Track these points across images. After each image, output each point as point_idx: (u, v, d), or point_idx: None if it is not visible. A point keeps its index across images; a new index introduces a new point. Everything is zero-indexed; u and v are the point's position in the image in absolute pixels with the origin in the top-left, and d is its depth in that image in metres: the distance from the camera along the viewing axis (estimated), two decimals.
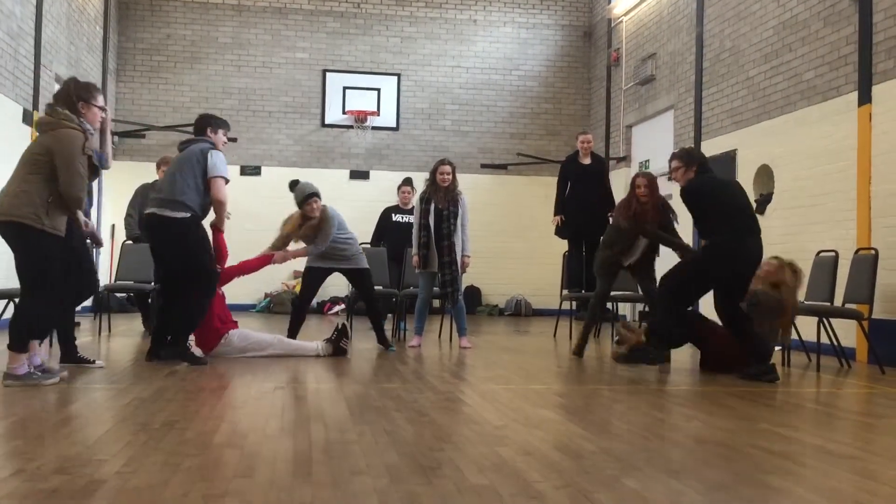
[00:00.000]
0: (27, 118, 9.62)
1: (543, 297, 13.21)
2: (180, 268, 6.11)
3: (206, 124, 6.50)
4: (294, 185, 7.46)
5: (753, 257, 6.02)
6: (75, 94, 4.96)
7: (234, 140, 13.83)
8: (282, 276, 13.65)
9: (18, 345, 4.83)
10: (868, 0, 7.53)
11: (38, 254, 4.80)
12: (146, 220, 6.26)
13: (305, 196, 7.29)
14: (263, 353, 6.57)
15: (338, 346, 6.71)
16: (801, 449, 3.56)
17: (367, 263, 7.56)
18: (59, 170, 4.75)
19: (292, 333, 7.35)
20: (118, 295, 11.31)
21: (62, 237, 4.84)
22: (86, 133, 4.91)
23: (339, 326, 6.86)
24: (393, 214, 9.43)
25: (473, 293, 13.78)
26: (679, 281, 6.07)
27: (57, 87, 10.68)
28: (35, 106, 9.82)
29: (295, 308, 7.84)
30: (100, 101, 5.11)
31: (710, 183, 6.21)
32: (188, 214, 5.99)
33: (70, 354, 5.73)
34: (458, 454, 3.25)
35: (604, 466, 3.11)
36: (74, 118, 4.90)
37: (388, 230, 9.40)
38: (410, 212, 9.29)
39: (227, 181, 6.31)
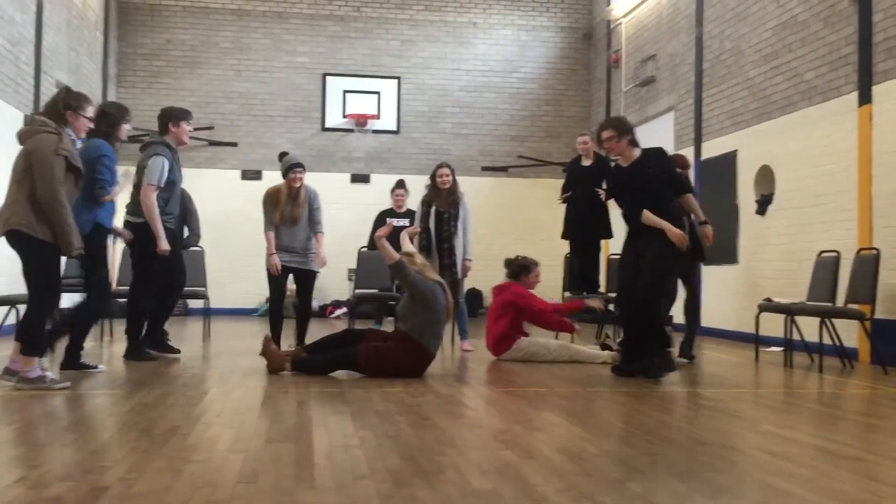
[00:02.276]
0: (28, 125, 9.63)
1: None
2: (135, 270, 6.62)
3: (167, 119, 6.65)
4: (283, 155, 7.38)
5: None
6: (63, 103, 5.06)
7: (234, 145, 13.88)
8: None
9: (30, 349, 4.91)
10: (868, 0, 7.53)
11: (36, 261, 4.90)
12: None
13: (291, 165, 7.07)
14: (548, 357, 6.91)
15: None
16: (804, 450, 3.55)
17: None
18: (34, 173, 4.82)
19: (275, 336, 7.23)
20: (120, 300, 11.31)
21: (55, 245, 4.88)
22: (60, 135, 4.91)
23: (604, 337, 7.39)
24: (387, 218, 9.43)
25: (475, 296, 13.77)
26: (664, 277, 5.93)
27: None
28: (36, 112, 9.83)
29: (272, 313, 7.44)
30: (89, 111, 5.21)
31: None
32: (143, 220, 6.33)
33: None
34: (460, 458, 3.25)
35: (607, 470, 3.11)
36: (50, 123, 4.95)
37: None
38: (404, 215, 9.30)
39: (158, 188, 6.43)
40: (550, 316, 7.11)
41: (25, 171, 4.86)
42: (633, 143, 5.98)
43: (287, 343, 6.99)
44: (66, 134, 5.00)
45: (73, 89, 5.28)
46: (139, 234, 6.46)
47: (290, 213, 7.04)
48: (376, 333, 6.20)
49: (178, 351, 6.95)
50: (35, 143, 4.87)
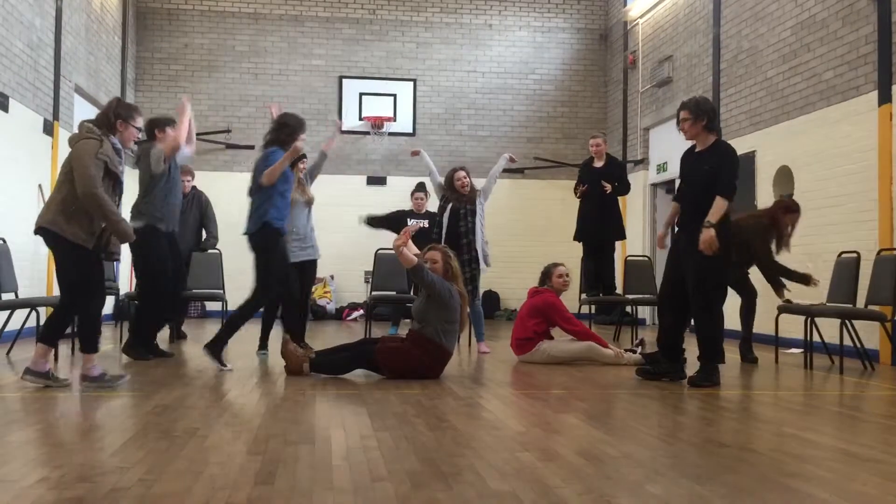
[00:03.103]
0: (48, 128, 9.71)
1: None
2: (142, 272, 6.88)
3: (153, 126, 6.95)
4: None
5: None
6: (114, 112, 5.27)
7: (251, 147, 13.93)
8: None
9: (88, 346, 5.15)
10: None
11: (64, 261, 5.12)
12: None
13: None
14: (573, 360, 6.92)
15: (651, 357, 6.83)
16: (824, 453, 3.52)
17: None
18: (75, 175, 5.00)
19: (265, 337, 7.37)
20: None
21: (86, 248, 5.04)
22: (102, 141, 5.09)
23: (640, 339, 7.32)
24: (408, 220, 9.45)
25: (491, 297, 13.77)
26: (715, 282, 5.70)
27: (76, 97, 10.82)
28: (55, 116, 9.91)
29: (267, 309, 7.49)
30: (138, 122, 5.41)
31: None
32: (141, 223, 6.54)
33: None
34: (478, 460, 3.24)
35: (626, 472, 3.09)
36: (95, 130, 5.14)
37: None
38: (424, 216, 9.34)
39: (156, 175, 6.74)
40: (579, 328, 7.08)
41: (67, 174, 5.06)
42: (710, 128, 5.77)
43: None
44: (111, 141, 5.17)
45: (123, 100, 5.51)
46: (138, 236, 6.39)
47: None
48: (391, 339, 6.24)
49: (171, 354, 7.08)
50: (78, 147, 5.08)
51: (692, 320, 5.84)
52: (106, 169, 5.05)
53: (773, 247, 7.20)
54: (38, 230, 5.10)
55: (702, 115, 5.73)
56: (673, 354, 5.85)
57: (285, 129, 6.62)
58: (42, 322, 8.42)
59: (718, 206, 5.58)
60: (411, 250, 5.95)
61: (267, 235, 6.47)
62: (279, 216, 6.51)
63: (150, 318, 6.91)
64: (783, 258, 7.33)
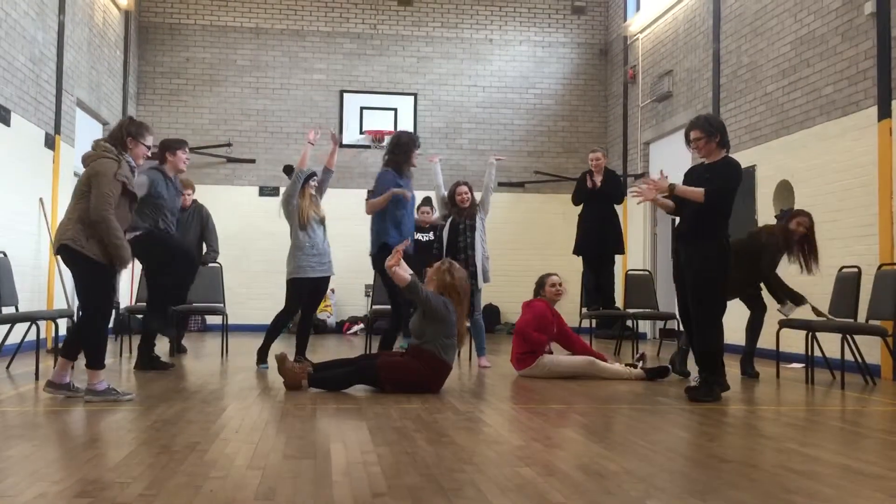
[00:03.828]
0: (49, 142, 9.73)
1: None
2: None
3: (164, 149, 7.19)
4: (290, 169, 7.64)
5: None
6: (126, 130, 5.38)
7: (252, 161, 13.97)
8: None
9: (94, 362, 5.19)
10: (886, 14, 7.50)
11: (83, 277, 5.22)
12: None
13: (308, 176, 7.47)
14: (573, 374, 6.89)
15: (652, 371, 6.86)
16: (826, 468, 3.51)
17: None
18: (93, 193, 5.11)
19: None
20: (139, 317, 11.37)
21: (103, 264, 5.15)
22: (120, 161, 5.22)
23: (641, 354, 7.32)
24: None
25: (492, 312, 13.75)
26: (714, 295, 5.70)
27: (78, 111, 10.85)
28: (57, 130, 9.93)
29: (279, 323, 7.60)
30: (148, 140, 5.50)
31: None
32: (138, 233, 6.71)
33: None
34: (479, 475, 3.23)
35: (627, 487, 3.08)
36: (112, 149, 5.26)
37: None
38: (428, 230, 9.35)
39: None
40: (540, 347, 7.03)
41: (84, 192, 5.15)
42: (723, 143, 5.79)
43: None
44: (127, 161, 5.28)
45: (135, 118, 5.65)
46: (134, 249, 6.57)
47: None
48: (391, 354, 6.24)
49: (171, 366, 7.26)
50: (98, 166, 5.17)
51: (694, 335, 5.83)
52: (124, 188, 5.16)
53: (797, 260, 7.11)
54: (60, 248, 5.19)
55: (714, 133, 5.76)
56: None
57: (399, 148, 6.96)
58: (43, 335, 8.42)
59: (695, 193, 5.62)
60: (405, 270, 5.92)
61: (385, 257, 6.44)
62: (397, 238, 6.78)
63: (152, 325, 7.16)
64: (785, 272, 7.33)
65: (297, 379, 5.77)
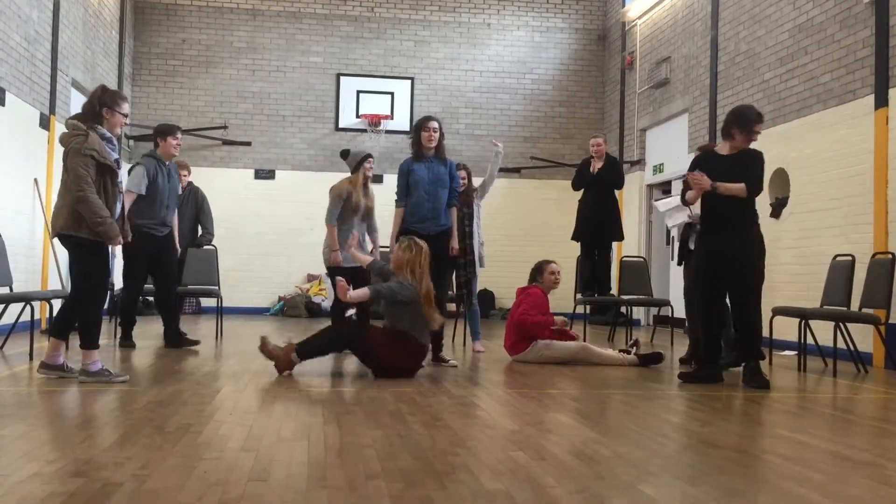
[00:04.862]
0: (44, 122, 9.69)
1: (557, 301, 13.10)
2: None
3: (156, 135, 7.40)
4: (346, 153, 7.43)
5: None
6: (99, 100, 5.26)
7: (248, 144, 13.93)
8: (296, 279, 13.70)
9: (88, 342, 5.18)
10: (885, 3, 7.48)
11: (79, 259, 5.21)
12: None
13: (364, 156, 7.28)
14: (564, 359, 6.89)
15: (645, 357, 6.87)
16: (817, 455, 3.53)
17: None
18: (69, 175, 5.10)
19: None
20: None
21: (98, 242, 5.15)
22: (87, 135, 5.08)
23: (635, 340, 7.33)
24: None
25: (487, 297, 13.76)
26: (760, 280, 5.84)
27: (73, 91, 10.79)
28: (52, 110, 9.89)
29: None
30: (124, 108, 5.39)
31: None
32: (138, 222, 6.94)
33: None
34: (472, 459, 3.24)
35: (619, 472, 3.10)
36: (80, 126, 5.14)
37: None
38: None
39: (135, 195, 7.08)
40: (542, 331, 7.01)
41: (65, 176, 5.15)
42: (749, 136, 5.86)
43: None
44: (99, 133, 5.15)
45: (108, 87, 5.53)
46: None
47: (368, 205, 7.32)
48: (378, 330, 6.21)
49: (197, 342, 7.51)
50: (67, 146, 5.14)
51: (737, 321, 5.88)
52: (96, 163, 5.05)
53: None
54: (55, 236, 5.26)
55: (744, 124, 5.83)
56: (717, 355, 5.95)
57: (413, 133, 7.00)
58: (37, 316, 8.42)
59: (737, 188, 5.72)
60: (363, 258, 6.43)
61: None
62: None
63: (124, 310, 7.47)
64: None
65: (286, 355, 5.69)
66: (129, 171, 7.41)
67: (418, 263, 5.88)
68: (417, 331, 5.80)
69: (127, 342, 7.32)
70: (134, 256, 7.18)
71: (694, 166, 5.95)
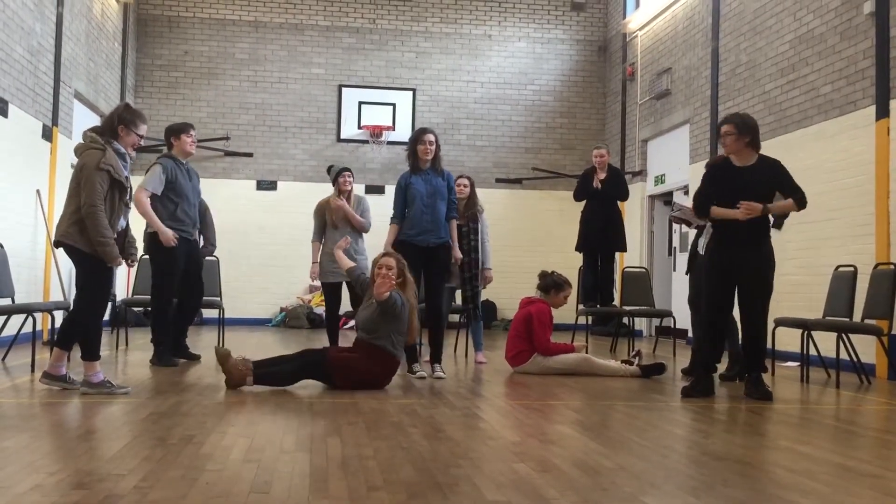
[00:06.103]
0: (46, 134, 9.71)
1: (559, 312, 13.16)
2: (153, 280, 7.12)
3: (169, 134, 7.22)
4: (329, 169, 7.94)
5: None
6: (118, 117, 5.30)
7: (249, 155, 13.96)
8: (297, 290, 13.70)
9: (90, 353, 5.20)
10: (885, 14, 7.51)
11: (80, 270, 5.25)
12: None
13: (340, 170, 7.70)
14: (569, 371, 6.88)
15: (648, 368, 6.86)
16: (820, 466, 3.52)
17: None
18: (82, 188, 5.11)
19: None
20: (135, 309, 11.37)
21: (98, 257, 5.15)
22: (105, 150, 5.15)
23: (637, 351, 7.29)
24: None
25: (489, 308, 13.75)
26: (771, 292, 5.85)
27: (76, 103, 10.83)
28: (55, 122, 9.91)
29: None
30: (141, 129, 5.40)
31: None
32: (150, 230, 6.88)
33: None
34: (474, 470, 3.24)
35: (622, 484, 3.09)
36: (98, 139, 5.21)
37: None
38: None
39: (150, 193, 6.85)
40: (548, 348, 6.99)
41: (77, 186, 5.15)
42: (753, 144, 5.81)
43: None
44: (114, 148, 5.20)
45: (132, 106, 5.52)
46: (152, 244, 6.87)
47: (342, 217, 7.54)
48: (340, 349, 6.24)
49: (198, 357, 7.33)
50: (84, 158, 5.17)
51: (746, 332, 5.85)
52: (111, 178, 5.11)
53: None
54: (57, 244, 5.28)
55: (746, 132, 5.78)
56: (716, 364, 5.95)
57: (409, 146, 6.90)
58: (39, 327, 8.43)
59: (786, 205, 5.78)
60: (346, 263, 6.45)
61: None
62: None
63: (160, 324, 7.05)
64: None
65: (242, 376, 5.48)
66: (146, 172, 7.07)
67: (403, 278, 5.93)
68: (392, 345, 5.79)
69: (169, 359, 6.90)
70: (163, 264, 6.89)
71: (711, 180, 5.92)
